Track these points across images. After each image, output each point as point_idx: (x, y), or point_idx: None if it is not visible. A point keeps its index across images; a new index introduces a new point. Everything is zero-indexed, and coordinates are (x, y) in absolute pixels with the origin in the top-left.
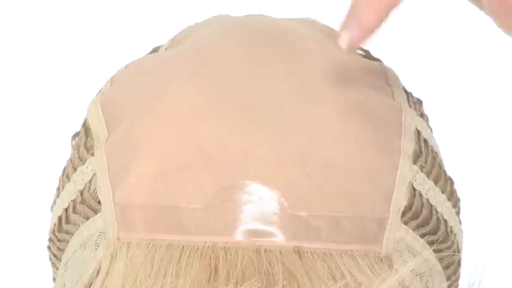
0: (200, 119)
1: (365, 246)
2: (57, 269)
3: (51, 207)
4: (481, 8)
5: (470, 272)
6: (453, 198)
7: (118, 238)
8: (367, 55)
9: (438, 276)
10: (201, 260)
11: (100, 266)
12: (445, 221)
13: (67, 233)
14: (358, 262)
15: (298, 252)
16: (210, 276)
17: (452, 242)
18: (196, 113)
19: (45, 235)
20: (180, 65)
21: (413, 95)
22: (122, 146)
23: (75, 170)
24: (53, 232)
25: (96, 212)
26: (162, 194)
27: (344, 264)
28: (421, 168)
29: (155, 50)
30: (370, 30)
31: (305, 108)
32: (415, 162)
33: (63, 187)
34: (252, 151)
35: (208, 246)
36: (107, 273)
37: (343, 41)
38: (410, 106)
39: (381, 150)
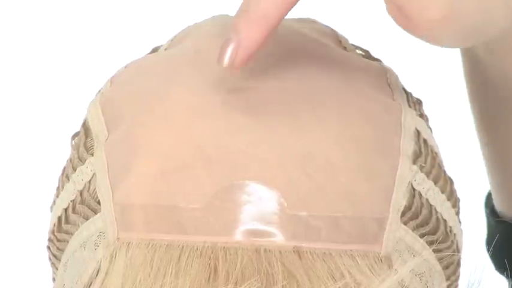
0: (200, 119)
1: (365, 246)
2: (57, 269)
3: (51, 207)
4: None
5: (470, 271)
6: (453, 198)
7: (118, 238)
8: (367, 55)
9: (438, 276)
10: (200, 260)
11: (100, 266)
12: (445, 220)
13: (67, 233)
14: (358, 262)
15: (298, 252)
16: (209, 276)
17: (452, 241)
18: (196, 113)
19: (45, 235)
20: (180, 65)
21: (413, 95)
22: (121, 146)
23: (74, 170)
24: (53, 232)
25: (95, 212)
26: (162, 194)
27: (344, 264)
28: (421, 168)
29: (155, 50)
30: (252, 48)
31: (305, 108)
32: (414, 162)
33: (62, 187)
34: (251, 151)
35: (208, 246)
36: (106, 273)
37: (223, 57)
38: (410, 106)
39: (380, 150)
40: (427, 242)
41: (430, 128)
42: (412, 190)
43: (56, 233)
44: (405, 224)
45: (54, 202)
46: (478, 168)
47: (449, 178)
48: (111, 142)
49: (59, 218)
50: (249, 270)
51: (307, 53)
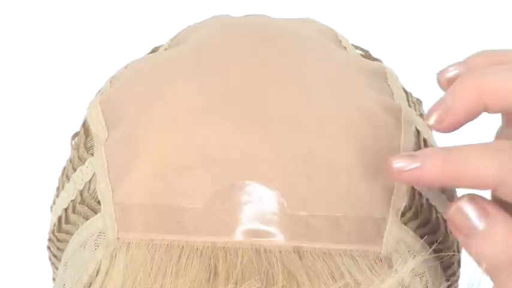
0: (200, 119)
1: (365, 246)
2: (57, 269)
3: (51, 207)
4: None
5: (470, 272)
6: (453, 199)
7: (118, 238)
8: (367, 55)
9: (438, 276)
10: (200, 260)
11: (100, 266)
12: (445, 221)
13: (67, 233)
14: (358, 262)
15: (298, 252)
16: (209, 276)
17: (452, 242)
18: (196, 113)
19: (45, 235)
20: (180, 65)
21: (413, 95)
22: (121, 146)
23: (74, 170)
24: (53, 232)
25: (95, 212)
26: (162, 194)
27: (344, 264)
28: None
29: (155, 50)
30: (458, 120)
31: (305, 108)
32: None
33: (62, 187)
34: (252, 151)
35: (208, 246)
36: (106, 273)
37: (430, 117)
38: (410, 106)
39: (380, 150)
40: (427, 242)
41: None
42: (412, 190)
43: (56, 233)
44: (405, 224)
45: (54, 202)
46: None
47: None
48: (111, 142)
49: (59, 218)
50: (249, 270)
51: (307, 53)
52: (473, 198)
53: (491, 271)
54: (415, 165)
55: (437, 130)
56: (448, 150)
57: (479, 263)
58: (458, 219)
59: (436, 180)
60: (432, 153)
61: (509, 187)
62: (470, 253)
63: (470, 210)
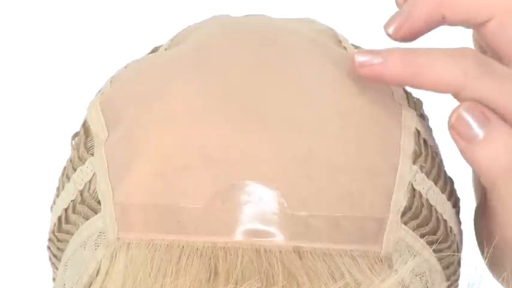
0: (200, 119)
1: (365, 246)
2: (57, 269)
3: (51, 207)
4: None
5: (470, 272)
6: (453, 198)
7: (118, 238)
8: None
9: (438, 276)
10: (200, 260)
11: (100, 266)
12: (445, 221)
13: (67, 233)
14: (358, 262)
15: (298, 252)
16: (209, 276)
17: (452, 242)
18: (196, 113)
19: (45, 235)
20: (180, 65)
21: (413, 95)
22: (121, 146)
23: (74, 170)
24: (53, 232)
25: (96, 212)
26: (162, 194)
27: (344, 264)
28: (421, 168)
29: (155, 50)
30: (416, 27)
31: (305, 108)
32: (414, 162)
33: (63, 187)
34: (252, 151)
35: (208, 246)
36: (106, 273)
37: (390, 25)
38: (410, 106)
39: (380, 150)
40: (427, 242)
41: (430, 128)
42: (412, 190)
43: (56, 233)
44: (405, 224)
45: (54, 202)
46: None
47: (450, 178)
48: (111, 142)
49: (59, 218)
50: (249, 270)
51: (306, 53)
52: (474, 105)
53: (491, 177)
54: (376, 61)
55: (396, 39)
56: (413, 51)
57: (479, 169)
58: (460, 126)
59: (395, 79)
60: (396, 52)
61: (469, 92)
62: (470, 160)
63: (471, 116)
